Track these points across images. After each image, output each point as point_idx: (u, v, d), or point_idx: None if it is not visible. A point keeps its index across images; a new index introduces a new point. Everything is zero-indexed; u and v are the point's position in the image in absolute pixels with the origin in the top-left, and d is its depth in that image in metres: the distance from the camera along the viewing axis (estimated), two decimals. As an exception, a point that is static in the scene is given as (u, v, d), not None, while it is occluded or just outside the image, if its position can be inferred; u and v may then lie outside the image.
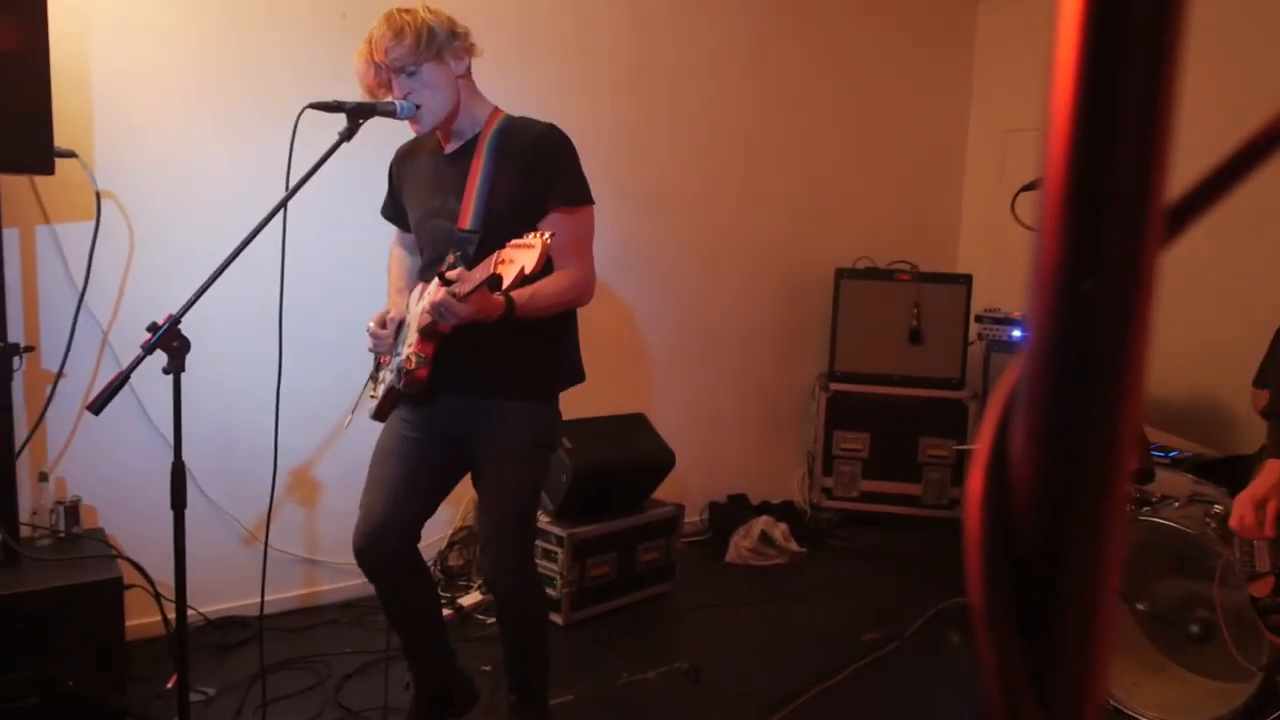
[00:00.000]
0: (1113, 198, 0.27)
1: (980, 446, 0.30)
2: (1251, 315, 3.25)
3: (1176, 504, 2.94)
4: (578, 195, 2.08)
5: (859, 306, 4.46)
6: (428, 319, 1.93)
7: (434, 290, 1.92)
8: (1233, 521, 1.91)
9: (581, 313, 2.23)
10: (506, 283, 1.71)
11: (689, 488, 4.05)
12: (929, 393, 4.36)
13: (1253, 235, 4.03)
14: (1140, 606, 2.85)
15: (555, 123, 2.10)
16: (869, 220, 4.82)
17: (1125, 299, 0.28)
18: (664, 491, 3.58)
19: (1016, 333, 4.25)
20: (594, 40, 3.73)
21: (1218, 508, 2.81)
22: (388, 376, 2.13)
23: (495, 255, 1.74)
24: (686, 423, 4.15)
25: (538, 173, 2.03)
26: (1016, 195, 2.45)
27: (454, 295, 1.82)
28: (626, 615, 3.33)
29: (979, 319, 4.36)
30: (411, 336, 2.04)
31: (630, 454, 3.42)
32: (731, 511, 4.19)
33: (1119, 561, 0.29)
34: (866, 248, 4.69)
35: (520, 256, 1.70)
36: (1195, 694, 2.79)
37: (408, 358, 2.01)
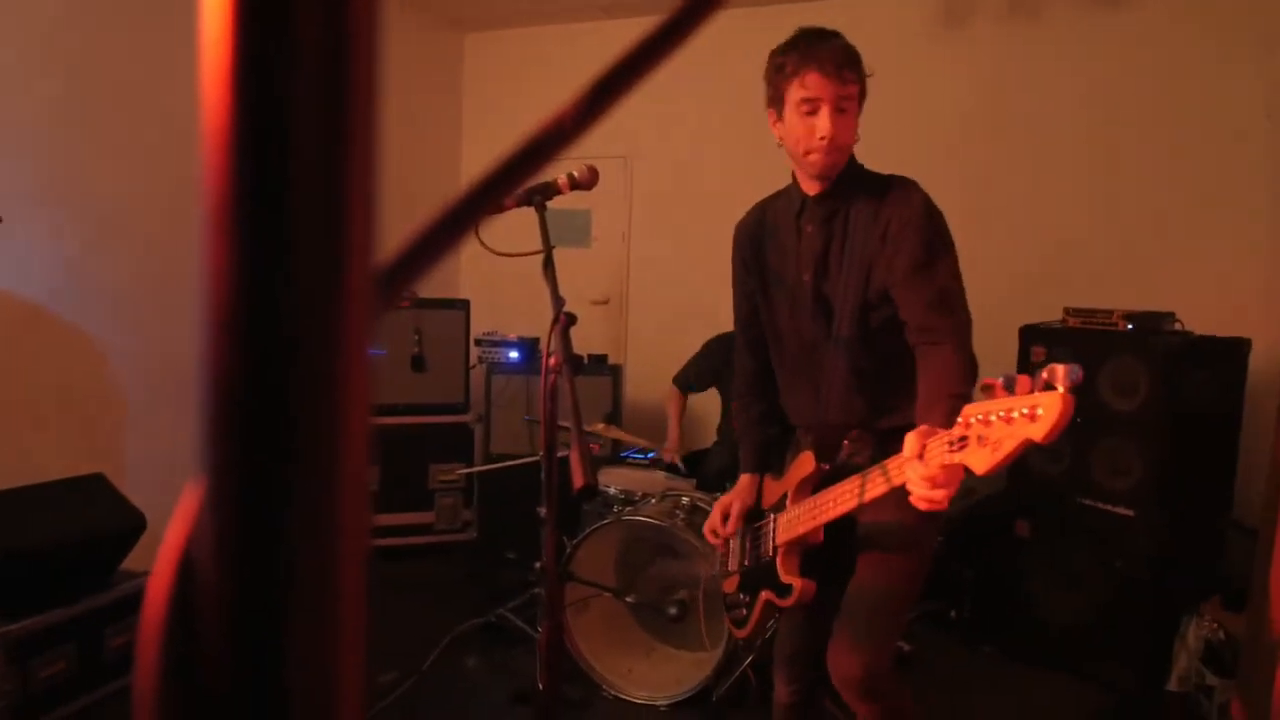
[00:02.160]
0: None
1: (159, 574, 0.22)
2: (708, 323, 3.73)
3: (653, 500, 3.28)
4: None
5: (359, 335, 4.30)
6: None
7: None
8: (705, 530, 2.11)
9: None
10: None
11: (173, 550, 3.54)
12: (435, 419, 4.35)
13: (701, 243, 4.68)
14: (629, 599, 3.12)
15: None
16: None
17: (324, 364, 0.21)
18: (141, 559, 3.07)
19: (514, 354, 4.44)
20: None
21: (685, 499, 3.19)
22: None
23: None
24: (170, 472, 3.62)
25: None
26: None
27: None
28: (96, 714, 2.79)
29: (479, 342, 4.47)
30: None
31: (82, 525, 2.86)
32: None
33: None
34: (364, 274, 4.54)
35: None
36: (680, 667, 3.13)
37: None
